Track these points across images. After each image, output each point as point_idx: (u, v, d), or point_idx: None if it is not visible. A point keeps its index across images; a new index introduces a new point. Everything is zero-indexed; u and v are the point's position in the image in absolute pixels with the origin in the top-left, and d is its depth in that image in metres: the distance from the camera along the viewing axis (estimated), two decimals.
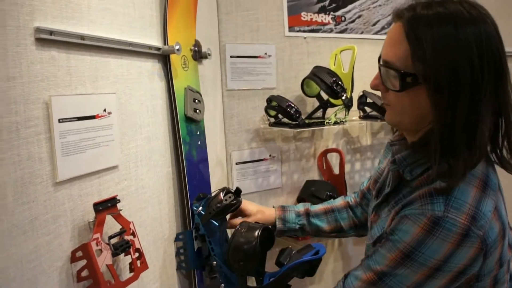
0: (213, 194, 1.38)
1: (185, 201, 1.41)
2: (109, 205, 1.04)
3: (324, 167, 2.00)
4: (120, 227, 1.09)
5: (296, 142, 1.95)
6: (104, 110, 1.09)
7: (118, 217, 1.07)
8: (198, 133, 1.48)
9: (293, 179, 1.95)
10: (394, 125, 1.12)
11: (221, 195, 1.37)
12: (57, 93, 0.95)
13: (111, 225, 1.09)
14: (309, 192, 1.85)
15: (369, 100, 2.00)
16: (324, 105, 1.88)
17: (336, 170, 2.01)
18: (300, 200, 1.95)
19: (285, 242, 1.78)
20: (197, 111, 1.45)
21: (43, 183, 0.91)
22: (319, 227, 1.43)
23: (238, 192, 1.40)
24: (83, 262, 0.98)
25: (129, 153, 1.20)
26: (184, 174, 1.39)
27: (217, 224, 1.37)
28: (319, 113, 1.89)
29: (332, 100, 1.84)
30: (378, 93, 2.07)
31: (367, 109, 2.05)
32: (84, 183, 1.03)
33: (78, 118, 1.00)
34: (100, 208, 1.01)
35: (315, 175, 2.01)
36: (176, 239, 1.40)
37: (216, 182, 1.67)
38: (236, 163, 1.79)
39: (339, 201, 1.48)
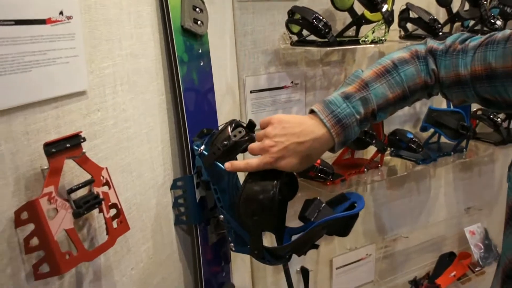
0: (219, 129, 1.07)
1: (183, 138, 1.11)
2: (68, 145, 0.74)
3: None
4: (90, 176, 0.79)
5: (323, 66, 1.61)
6: (61, 14, 0.77)
7: (83, 162, 0.78)
8: (200, 51, 1.16)
9: None
10: None
11: (229, 129, 1.07)
12: None
13: (76, 174, 0.80)
14: None
15: (413, 15, 1.63)
16: (358, 21, 1.52)
17: None
18: None
19: (309, 188, 1.50)
20: (198, 22, 1.12)
21: None
22: (382, 118, 0.96)
23: (251, 125, 1.09)
24: (31, 227, 0.70)
25: (103, 74, 0.88)
26: (181, 102, 1.08)
27: (223, 167, 1.07)
28: (351, 32, 1.54)
29: (367, 15, 1.48)
30: (424, 6, 1.73)
31: (410, 27, 1.69)
32: (32, 116, 0.73)
33: (15, 22, 0.68)
34: (54, 150, 0.71)
35: None
36: (173, 186, 1.12)
37: (226, 115, 1.37)
38: (251, 92, 1.47)
39: (412, 79, 0.90)
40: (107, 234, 0.81)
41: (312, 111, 0.90)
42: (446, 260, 2.08)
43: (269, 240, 1.22)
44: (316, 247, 1.09)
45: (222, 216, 1.09)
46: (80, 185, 0.76)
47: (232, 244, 1.10)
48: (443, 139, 1.87)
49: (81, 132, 0.77)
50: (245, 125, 1.10)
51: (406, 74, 0.91)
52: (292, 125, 0.87)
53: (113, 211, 0.82)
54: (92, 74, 0.85)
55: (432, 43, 0.94)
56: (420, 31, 1.65)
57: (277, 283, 1.65)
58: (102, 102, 0.88)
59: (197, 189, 1.11)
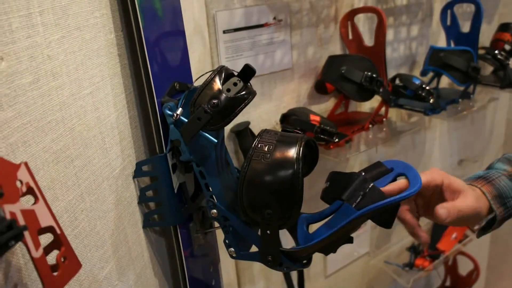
0: (203, 82, 0.70)
1: (148, 98, 0.73)
2: None
3: (350, 37, 1.33)
4: None
5: None
6: None
7: None
8: None
9: (307, 54, 1.28)
10: None
11: (218, 81, 0.71)
12: None
13: None
14: (337, 74, 1.19)
15: None
16: None
17: (368, 41, 1.35)
18: (319, 85, 1.30)
19: None
20: None
21: None
22: None
23: (247, 73, 0.73)
24: None
25: None
26: (141, 44, 0.70)
27: (214, 140, 0.72)
28: None
29: None
30: None
31: None
32: None
33: None
34: None
35: (336, 49, 1.34)
36: (137, 173, 0.75)
37: (195, 64, 1.00)
38: (224, 32, 1.09)
39: None
40: (56, 270, 0.45)
41: None
42: None
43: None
44: (351, 241, 0.78)
45: (214, 211, 0.74)
46: None
47: (232, 250, 0.76)
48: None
49: None
50: (237, 73, 0.74)
51: None
52: None
53: (46, 240, 0.45)
54: None
55: None
56: None
57: (267, 276, 1.33)
58: (7, 43, 0.49)
59: (174, 174, 0.75)
